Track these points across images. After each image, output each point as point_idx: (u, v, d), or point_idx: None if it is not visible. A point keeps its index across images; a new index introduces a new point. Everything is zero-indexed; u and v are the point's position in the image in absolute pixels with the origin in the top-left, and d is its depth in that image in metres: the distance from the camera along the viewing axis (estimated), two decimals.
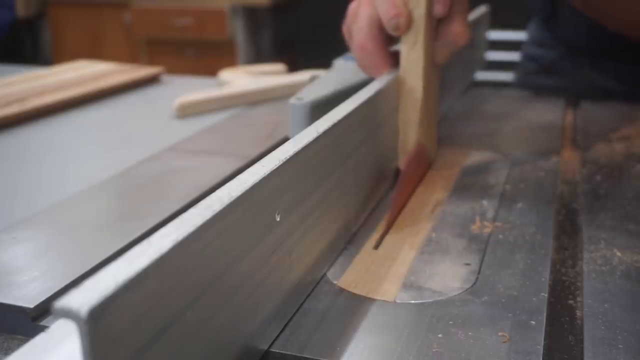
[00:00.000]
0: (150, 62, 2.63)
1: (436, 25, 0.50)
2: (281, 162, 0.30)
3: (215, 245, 0.24)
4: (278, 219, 0.30)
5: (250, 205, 0.27)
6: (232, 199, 0.25)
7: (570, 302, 0.36)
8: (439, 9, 0.48)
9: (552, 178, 0.52)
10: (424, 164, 0.52)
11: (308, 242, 0.34)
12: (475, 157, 0.57)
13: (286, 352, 0.30)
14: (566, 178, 0.53)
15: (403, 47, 0.49)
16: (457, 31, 0.50)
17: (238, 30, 2.61)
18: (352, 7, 0.52)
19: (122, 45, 2.84)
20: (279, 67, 0.90)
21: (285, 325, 0.32)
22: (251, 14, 2.63)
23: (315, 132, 0.34)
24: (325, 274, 0.37)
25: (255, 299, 0.28)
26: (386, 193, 0.49)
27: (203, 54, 2.69)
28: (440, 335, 0.31)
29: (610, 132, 0.64)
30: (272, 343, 0.31)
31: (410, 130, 0.50)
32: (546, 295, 0.35)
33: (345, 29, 0.54)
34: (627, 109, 0.71)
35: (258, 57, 2.65)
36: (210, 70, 1.18)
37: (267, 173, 0.28)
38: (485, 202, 0.47)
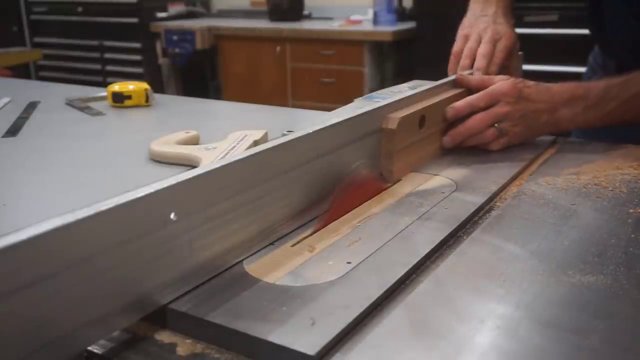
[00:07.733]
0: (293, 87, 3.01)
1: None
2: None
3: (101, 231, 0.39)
4: (174, 218, 0.44)
5: (138, 209, 0.41)
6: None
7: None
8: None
9: (479, 205, 0.60)
10: (366, 188, 0.62)
11: (217, 236, 0.47)
12: (433, 182, 0.67)
13: (178, 309, 0.43)
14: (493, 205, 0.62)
15: None
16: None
17: (366, 61, 2.88)
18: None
19: (273, 72, 3.21)
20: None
21: (188, 292, 0.45)
22: (377, 48, 2.93)
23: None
24: (242, 261, 0.50)
25: (152, 267, 0.42)
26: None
27: (338, 81, 3.00)
28: (289, 307, 0.43)
29: (564, 169, 0.70)
30: (171, 302, 0.44)
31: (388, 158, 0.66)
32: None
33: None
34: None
35: (382, 83, 2.86)
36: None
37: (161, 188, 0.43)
38: (406, 219, 0.57)
